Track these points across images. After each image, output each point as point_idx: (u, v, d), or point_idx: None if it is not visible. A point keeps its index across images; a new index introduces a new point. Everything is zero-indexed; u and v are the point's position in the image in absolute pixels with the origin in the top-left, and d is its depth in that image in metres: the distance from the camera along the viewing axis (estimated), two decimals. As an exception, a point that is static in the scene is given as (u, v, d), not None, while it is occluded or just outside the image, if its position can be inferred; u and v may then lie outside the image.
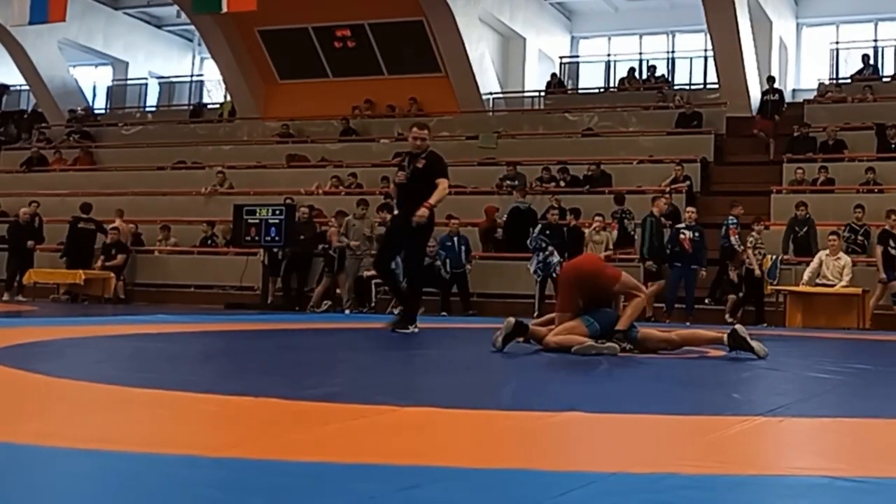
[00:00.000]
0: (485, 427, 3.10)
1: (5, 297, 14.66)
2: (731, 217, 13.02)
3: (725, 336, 5.96)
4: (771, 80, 17.66)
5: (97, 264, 15.17)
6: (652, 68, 21.19)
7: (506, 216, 14.71)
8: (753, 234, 12.64)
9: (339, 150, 19.43)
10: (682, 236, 12.74)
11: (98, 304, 14.02)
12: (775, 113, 17.18)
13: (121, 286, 15.19)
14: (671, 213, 13.79)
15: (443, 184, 7.54)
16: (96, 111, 24.88)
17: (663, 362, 5.70)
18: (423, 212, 7.37)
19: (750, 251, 12.50)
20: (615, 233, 13.80)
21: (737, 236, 12.78)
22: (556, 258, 12.97)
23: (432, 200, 7.46)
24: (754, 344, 5.82)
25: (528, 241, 13.34)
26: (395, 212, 8.18)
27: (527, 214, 14.56)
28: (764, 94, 17.54)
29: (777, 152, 16.67)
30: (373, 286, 13.47)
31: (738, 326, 6.07)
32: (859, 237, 13.23)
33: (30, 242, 15.54)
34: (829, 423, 3.43)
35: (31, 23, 16.35)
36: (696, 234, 12.79)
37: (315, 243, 14.56)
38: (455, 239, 13.79)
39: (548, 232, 13.41)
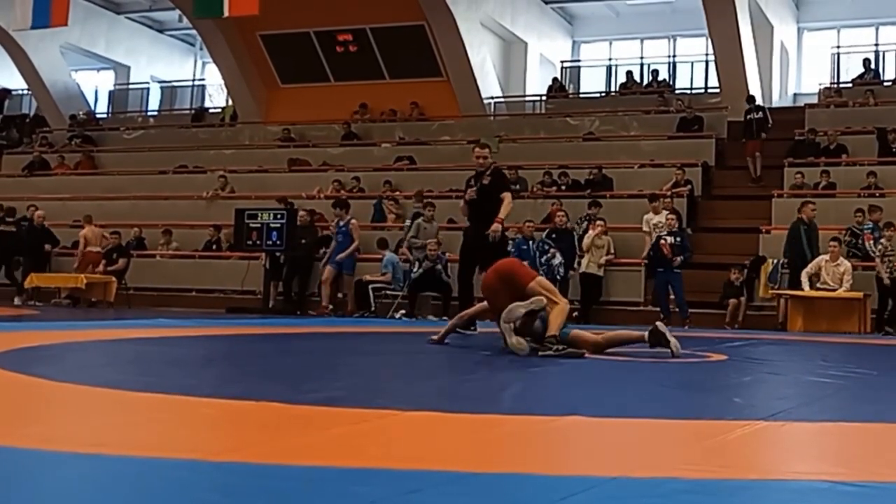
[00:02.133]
0: (486, 431, 3.10)
1: (17, 302, 14.66)
2: (868, 222, 12.90)
3: (647, 334, 6.19)
4: (751, 99, 17.13)
5: (98, 269, 15.17)
6: (653, 72, 21.20)
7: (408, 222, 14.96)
8: (883, 241, 12.47)
9: (341, 154, 19.45)
10: (662, 241, 12.71)
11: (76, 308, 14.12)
12: (761, 131, 16.69)
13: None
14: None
15: (507, 198, 8.37)
16: (98, 115, 24.89)
17: (664, 366, 5.70)
18: (496, 227, 8.15)
19: (879, 260, 12.32)
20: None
21: (871, 242, 12.59)
22: (557, 259, 12.94)
23: (501, 215, 8.25)
24: (672, 340, 6.06)
25: (535, 245, 13.28)
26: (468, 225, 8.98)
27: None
28: (746, 113, 16.91)
29: (765, 173, 16.25)
30: (370, 290, 13.47)
31: (658, 324, 6.29)
32: (860, 241, 13.21)
33: (47, 246, 15.57)
34: (830, 428, 3.43)
35: (33, 27, 16.34)
36: (678, 238, 12.78)
37: (316, 247, 14.56)
38: (529, 243, 13.55)
39: (554, 235, 13.33)
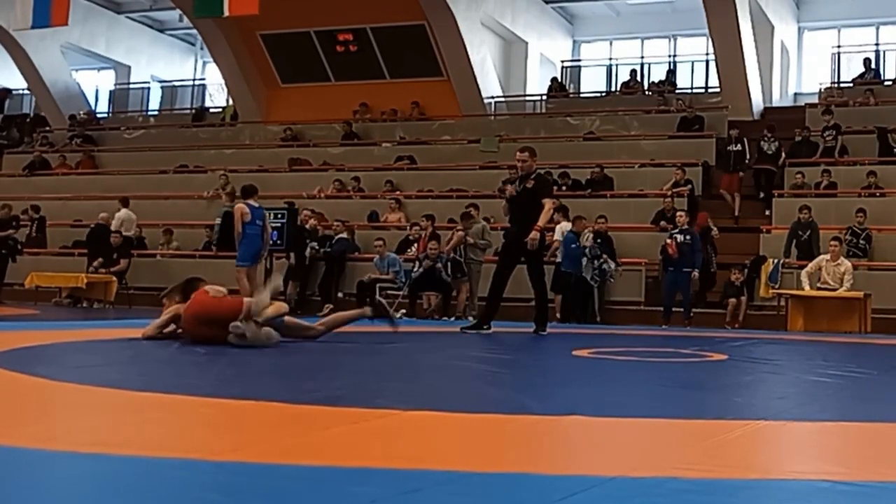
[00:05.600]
0: (486, 431, 3.10)
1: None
2: None
3: (369, 309, 6.83)
4: (733, 125, 16.40)
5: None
6: (653, 72, 21.18)
7: (219, 219, 14.85)
8: None
9: (341, 154, 19.45)
10: (668, 241, 12.66)
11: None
12: (739, 166, 15.64)
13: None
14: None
15: (547, 205, 8.51)
16: (98, 115, 24.90)
17: (664, 366, 5.70)
18: (534, 235, 8.30)
19: None
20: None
21: None
22: (611, 265, 12.85)
23: (540, 223, 8.40)
24: (392, 317, 6.76)
25: (586, 250, 12.88)
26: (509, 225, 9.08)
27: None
28: (727, 143, 15.92)
29: (743, 216, 15.49)
30: (377, 289, 13.44)
31: (380, 300, 7.00)
32: (861, 241, 13.22)
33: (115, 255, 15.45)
34: (830, 427, 3.43)
35: (33, 27, 16.34)
36: (687, 237, 12.70)
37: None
38: (579, 240, 13.05)
39: (599, 241, 13.13)
